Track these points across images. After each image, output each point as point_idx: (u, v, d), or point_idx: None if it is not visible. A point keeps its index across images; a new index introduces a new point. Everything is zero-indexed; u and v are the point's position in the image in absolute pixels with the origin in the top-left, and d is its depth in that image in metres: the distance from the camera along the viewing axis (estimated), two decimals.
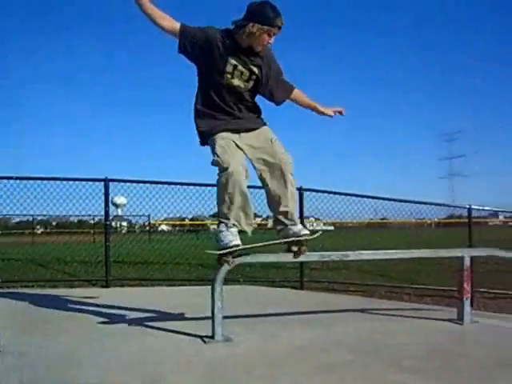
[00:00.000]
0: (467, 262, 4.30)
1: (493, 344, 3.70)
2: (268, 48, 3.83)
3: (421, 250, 4.61)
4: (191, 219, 19.43)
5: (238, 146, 3.83)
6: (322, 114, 4.10)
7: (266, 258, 4.31)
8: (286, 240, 3.95)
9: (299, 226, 3.96)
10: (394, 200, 8.76)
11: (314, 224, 15.42)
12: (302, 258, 4.03)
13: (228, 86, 3.82)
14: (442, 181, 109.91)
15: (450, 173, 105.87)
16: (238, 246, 3.73)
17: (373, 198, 8.65)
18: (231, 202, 3.73)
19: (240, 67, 3.80)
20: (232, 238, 3.73)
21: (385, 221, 13.75)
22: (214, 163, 3.77)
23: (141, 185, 8.16)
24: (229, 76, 3.80)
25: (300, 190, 7.86)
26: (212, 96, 3.87)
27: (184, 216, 15.32)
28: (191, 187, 8.25)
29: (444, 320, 4.48)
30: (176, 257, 10.64)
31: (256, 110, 4.06)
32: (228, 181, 3.66)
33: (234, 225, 3.78)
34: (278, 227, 4.00)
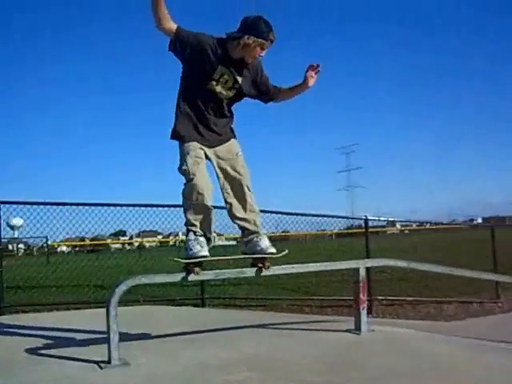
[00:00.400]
0: (362, 273, 4.51)
1: (387, 352, 3.88)
2: (258, 59, 4.13)
3: (317, 264, 4.76)
4: (92, 239, 18.89)
5: (206, 154, 4.09)
6: (308, 87, 4.26)
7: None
8: (252, 256, 4.21)
9: (267, 243, 4.16)
10: (293, 214, 9.05)
11: (216, 239, 15.43)
12: (195, 277, 4.07)
13: (210, 91, 4.05)
14: (341, 192, 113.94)
15: (348, 184, 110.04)
16: (205, 256, 3.92)
17: (272, 212, 8.86)
18: (195, 211, 4.00)
19: (226, 76, 4.04)
20: (200, 248, 3.92)
21: (286, 234, 14.06)
22: (182, 172, 4.01)
23: (41, 206, 8.01)
24: (214, 83, 4.04)
25: None
26: (195, 98, 4.08)
27: (84, 236, 14.94)
28: (93, 207, 8.28)
29: (342, 331, 4.62)
30: (74, 279, 10.31)
31: (230, 119, 4.32)
32: (193, 191, 3.94)
33: (201, 233, 4.02)
34: (245, 238, 4.23)
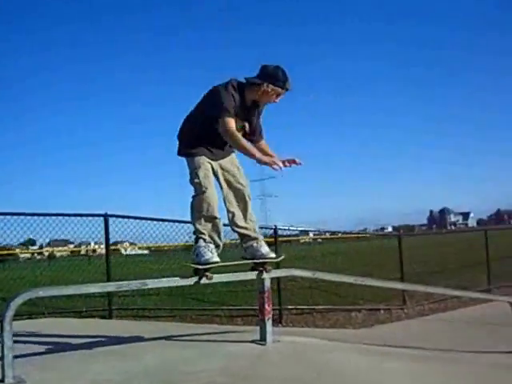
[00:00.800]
0: (267, 284, 4.51)
1: (290, 363, 3.89)
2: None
3: (221, 275, 4.72)
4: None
5: (213, 168, 4.47)
6: (265, 163, 4.39)
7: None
8: (254, 260, 4.55)
9: (267, 249, 4.58)
10: None
11: (129, 249, 15.10)
12: (95, 289, 3.99)
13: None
14: (255, 201, 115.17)
15: (262, 193, 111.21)
16: (217, 262, 4.33)
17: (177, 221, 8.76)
18: (206, 221, 4.37)
19: (238, 119, 4.40)
20: (211, 254, 4.30)
21: None
22: (195, 184, 4.39)
23: None
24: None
25: (105, 216, 7.88)
26: (211, 127, 4.38)
27: None
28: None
29: (247, 342, 4.59)
30: None
31: None
32: (204, 203, 4.33)
33: (210, 240, 4.40)
34: (245, 244, 4.60)
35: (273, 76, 4.36)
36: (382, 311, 9.17)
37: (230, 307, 9.15)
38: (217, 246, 4.46)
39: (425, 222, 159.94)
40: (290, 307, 8.97)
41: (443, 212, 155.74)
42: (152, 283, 4.25)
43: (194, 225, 4.48)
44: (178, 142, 4.69)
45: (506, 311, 6.16)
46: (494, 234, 15.56)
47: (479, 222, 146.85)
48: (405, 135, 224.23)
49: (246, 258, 4.64)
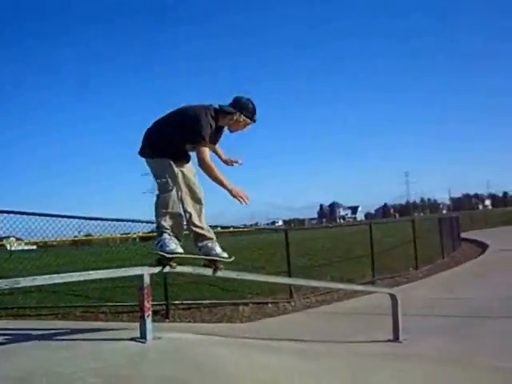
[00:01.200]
0: (146, 280, 4.44)
1: (168, 361, 3.83)
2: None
3: (98, 272, 4.62)
4: None
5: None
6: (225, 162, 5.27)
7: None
8: (208, 257, 4.96)
9: (220, 249, 4.97)
10: (95, 219, 8.66)
11: (15, 244, 14.32)
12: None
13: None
14: (147, 195, 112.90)
15: (153, 188, 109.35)
16: (181, 253, 4.75)
17: (75, 217, 8.39)
18: (170, 217, 4.77)
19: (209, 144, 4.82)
20: (175, 246, 4.71)
21: (90, 237, 13.58)
22: (162, 183, 4.77)
23: None
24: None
25: None
26: (182, 143, 4.86)
27: None
28: None
29: (127, 340, 4.50)
30: None
31: None
32: (170, 200, 4.74)
33: (174, 234, 4.79)
34: (200, 243, 4.96)
35: (245, 108, 4.86)
36: (269, 305, 9.33)
37: (116, 303, 8.95)
38: (178, 241, 4.84)
39: (315, 215, 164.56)
40: (176, 302, 8.91)
41: (333, 206, 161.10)
42: (25, 281, 4.06)
43: (157, 221, 4.85)
44: (143, 144, 5.00)
45: (386, 302, 6.50)
46: (381, 227, 16.47)
47: (367, 215, 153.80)
48: (292, 131, 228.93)
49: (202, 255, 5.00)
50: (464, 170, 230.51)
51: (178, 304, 8.92)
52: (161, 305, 8.57)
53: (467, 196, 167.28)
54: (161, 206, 4.80)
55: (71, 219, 8.30)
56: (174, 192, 4.75)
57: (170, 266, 4.74)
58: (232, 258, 5.10)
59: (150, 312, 4.52)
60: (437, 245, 16.40)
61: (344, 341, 6.27)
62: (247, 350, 4.71)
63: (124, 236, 13.92)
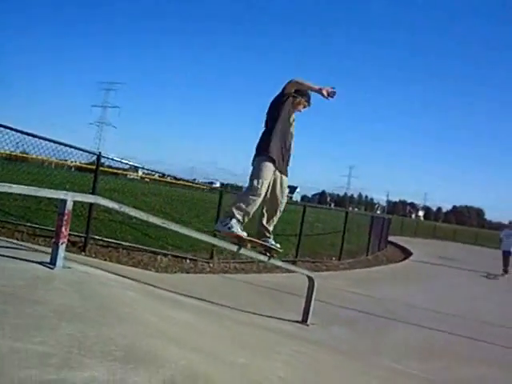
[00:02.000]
0: (69, 206, 4.29)
1: (70, 291, 3.69)
2: None
3: (21, 186, 4.42)
4: None
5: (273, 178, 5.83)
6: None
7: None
8: (267, 245, 6.03)
9: (273, 242, 6.07)
10: (33, 135, 8.25)
11: None
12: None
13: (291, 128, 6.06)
14: (92, 127, 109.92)
15: (100, 121, 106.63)
16: (246, 236, 5.75)
17: (12, 129, 7.96)
18: (245, 213, 5.63)
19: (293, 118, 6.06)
20: (241, 230, 5.67)
21: (25, 155, 13.16)
22: (253, 186, 5.61)
23: None
24: (292, 122, 6.08)
25: None
26: (283, 131, 5.88)
27: None
28: None
29: (35, 262, 4.36)
30: None
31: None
32: (253, 205, 5.63)
33: (241, 223, 5.69)
34: (263, 238, 6.01)
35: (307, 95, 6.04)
36: (187, 260, 9.34)
37: (35, 225, 8.71)
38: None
39: None
40: (96, 237, 8.78)
41: None
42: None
43: (232, 209, 5.68)
44: (255, 153, 5.85)
45: (303, 283, 6.61)
46: (315, 211, 16.70)
47: (303, 198, 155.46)
48: (252, 94, 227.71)
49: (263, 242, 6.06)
50: (407, 178, 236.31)
51: (97, 239, 8.78)
52: (80, 237, 8.42)
53: (403, 202, 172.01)
54: (243, 202, 5.64)
55: (8, 131, 7.93)
56: (259, 200, 5.65)
57: (245, 246, 5.92)
58: (280, 250, 6.24)
59: (66, 240, 4.40)
60: (364, 241, 16.82)
61: (253, 312, 6.34)
62: (153, 298, 4.68)
63: (61, 162, 13.55)
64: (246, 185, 5.82)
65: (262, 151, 5.69)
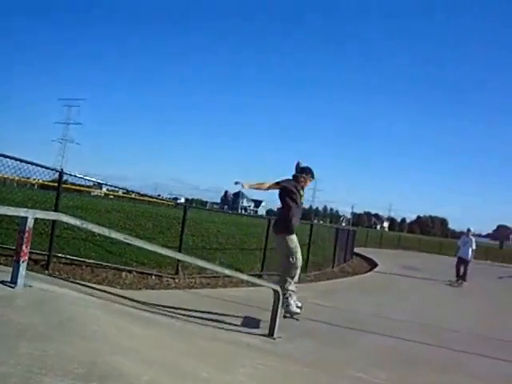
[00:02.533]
0: (30, 224, 4.26)
1: (31, 310, 3.68)
2: None
3: None
4: None
5: None
6: None
7: None
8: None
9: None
10: None
11: None
12: None
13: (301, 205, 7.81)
14: (55, 144, 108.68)
15: (63, 137, 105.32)
16: (299, 313, 7.50)
17: None
18: (293, 278, 7.43)
19: (302, 193, 7.74)
20: (297, 308, 7.48)
21: None
22: (294, 258, 7.35)
23: None
24: (300, 197, 7.66)
25: None
26: (296, 211, 7.54)
27: None
28: None
29: None
30: None
31: None
32: (296, 271, 7.50)
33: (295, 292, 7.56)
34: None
35: (311, 172, 7.88)
36: (153, 277, 9.28)
37: None
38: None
39: (218, 200, 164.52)
40: (59, 255, 8.67)
41: (237, 195, 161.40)
42: None
43: (283, 284, 7.26)
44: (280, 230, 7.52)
45: (269, 296, 6.64)
46: None
47: (269, 211, 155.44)
48: (211, 113, 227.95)
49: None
50: (372, 190, 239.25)
51: (60, 257, 8.67)
52: (43, 255, 8.30)
53: (368, 214, 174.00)
54: (289, 274, 7.40)
55: None
56: (298, 265, 7.48)
57: (296, 319, 7.39)
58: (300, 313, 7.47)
59: (26, 258, 4.35)
60: (330, 253, 16.94)
61: (218, 326, 6.34)
62: (117, 315, 4.65)
63: (23, 179, 13.36)
64: (285, 260, 7.40)
65: (289, 231, 7.37)
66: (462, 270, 16.63)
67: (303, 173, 7.72)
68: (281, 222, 7.57)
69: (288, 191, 7.46)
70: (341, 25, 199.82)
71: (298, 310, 7.32)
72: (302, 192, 7.63)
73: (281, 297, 6.49)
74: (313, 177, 7.81)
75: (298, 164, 7.81)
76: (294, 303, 7.30)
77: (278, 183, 7.48)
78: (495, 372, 6.31)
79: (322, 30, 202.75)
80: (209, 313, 7.16)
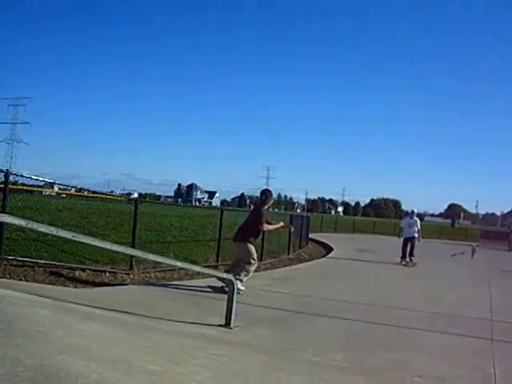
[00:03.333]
0: None
1: None
2: None
3: None
4: None
5: None
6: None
7: None
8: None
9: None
10: None
11: None
12: None
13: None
14: (2, 145, 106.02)
15: (10, 137, 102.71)
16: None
17: None
18: (245, 275, 9.00)
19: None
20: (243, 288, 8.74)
21: None
22: (253, 259, 9.08)
23: None
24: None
25: None
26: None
27: None
28: None
29: None
30: None
31: None
32: (252, 269, 9.18)
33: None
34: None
35: (271, 195, 9.76)
36: (107, 273, 9.17)
37: None
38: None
39: (172, 194, 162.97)
40: (10, 258, 8.47)
41: (191, 188, 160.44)
42: None
43: (243, 274, 8.90)
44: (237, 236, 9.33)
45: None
46: (234, 215, 16.73)
47: (223, 202, 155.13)
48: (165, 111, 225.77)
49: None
50: (325, 176, 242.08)
51: (11, 259, 8.48)
52: None
53: (322, 200, 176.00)
54: (248, 271, 9.00)
55: None
56: (255, 265, 9.30)
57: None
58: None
59: None
60: (285, 241, 17.06)
61: (174, 319, 6.31)
62: (68, 314, 4.58)
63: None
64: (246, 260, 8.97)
65: (251, 240, 9.13)
66: (408, 249, 17.00)
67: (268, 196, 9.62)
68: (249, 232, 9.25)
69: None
70: None
71: (243, 288, 8.66)
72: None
73: (235, 286, 6.51)
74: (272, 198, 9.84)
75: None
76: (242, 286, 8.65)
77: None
78: (442, 345, 6.50)
79: None
80: (165, 306, 7.13)
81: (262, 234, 9.77)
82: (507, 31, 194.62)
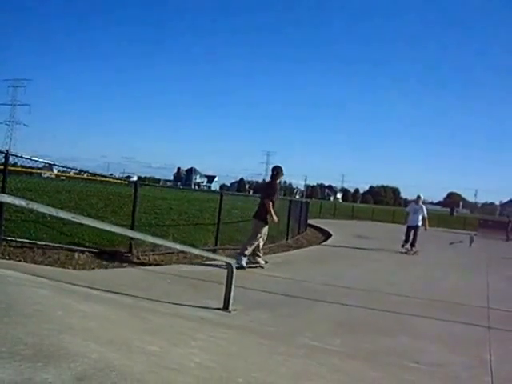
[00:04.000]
0: None
1: None
2: None
3: None
4: None
5: None
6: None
7: None
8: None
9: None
10: None
11: None
12: None
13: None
14: (1, 127, 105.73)
15: (10, 119, 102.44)
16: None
17: None
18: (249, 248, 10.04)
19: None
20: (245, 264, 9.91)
21: None
22: (258, 235, 10.19)
23: None
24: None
25: None
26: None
27: None
28: None
29: None
30: None
31: None
32: (254, 243, 10.07)
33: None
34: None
35: (281, 170, 10.49)
36: (106, 256, 9.18)
37: None
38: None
39: (171, 178, 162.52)
40: (9, 239, 8.47)
41: (190, 172, 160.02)
42: None
43: (245, 247, 9.93)
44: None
45: (224, 270, 6.66)
46: (233, 199, 16.76)
47: (222, 186, 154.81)
48: (167, 95, 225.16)
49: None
50: (325, 162, 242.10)
51: (10, 241, 8.48)
52: None
53: (321, 186, 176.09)
54: (255, 241, 10.06)
55: None
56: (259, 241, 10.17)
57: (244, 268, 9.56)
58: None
59: None
60: (283, 226, 17.08)
61: (172, 302, 6.33)
62: (68, 295, 4.59)
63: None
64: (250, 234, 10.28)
65: (263, 217, 10.16)
66: (411, 236, 16.93)
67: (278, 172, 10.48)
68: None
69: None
70: None
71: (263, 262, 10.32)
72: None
73: (234, 270, 6.52)
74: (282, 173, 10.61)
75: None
76: (245, 260, 9.86)
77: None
78: (440, 332, 6.54)
79: None
80: (163, 289, 7.15)
81: (273, 205, 10.17)
82: None
